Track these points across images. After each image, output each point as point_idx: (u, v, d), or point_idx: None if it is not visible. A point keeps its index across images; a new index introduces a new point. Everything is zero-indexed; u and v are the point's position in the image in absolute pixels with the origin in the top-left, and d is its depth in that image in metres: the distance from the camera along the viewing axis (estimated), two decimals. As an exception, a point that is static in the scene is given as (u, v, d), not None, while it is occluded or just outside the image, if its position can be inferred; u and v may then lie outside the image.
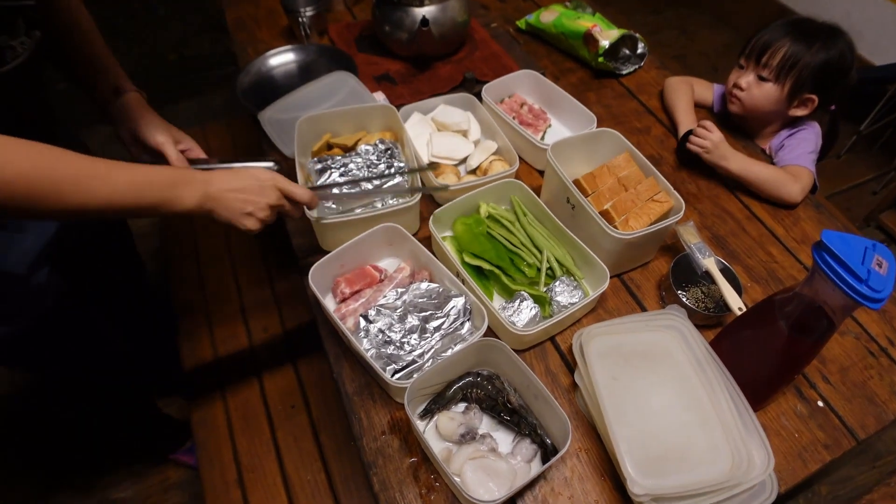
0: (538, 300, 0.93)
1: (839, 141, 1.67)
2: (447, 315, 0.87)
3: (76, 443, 1.63)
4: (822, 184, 1.24)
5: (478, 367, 0.86)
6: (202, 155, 0.97)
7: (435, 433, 0.82)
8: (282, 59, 1.40)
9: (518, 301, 0.92)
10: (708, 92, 1.36)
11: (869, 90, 2.34)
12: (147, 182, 0.71)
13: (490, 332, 0.90)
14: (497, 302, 0.97)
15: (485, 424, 0.84)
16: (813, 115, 1.21)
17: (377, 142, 1.07)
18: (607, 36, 1.37)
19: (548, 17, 1.50)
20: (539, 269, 0.97)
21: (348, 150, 1.11)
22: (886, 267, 0.63)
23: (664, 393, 0.78)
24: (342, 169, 1.02)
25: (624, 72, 1.44)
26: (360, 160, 1.03)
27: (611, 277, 0.94)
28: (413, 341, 0.85)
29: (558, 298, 0.93)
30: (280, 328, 1.61)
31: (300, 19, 1.42)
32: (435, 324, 0.87)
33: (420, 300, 0.89)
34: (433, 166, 1.10)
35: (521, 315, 0.90)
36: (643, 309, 0.99)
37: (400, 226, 0.96)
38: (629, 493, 0.69)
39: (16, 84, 0.78)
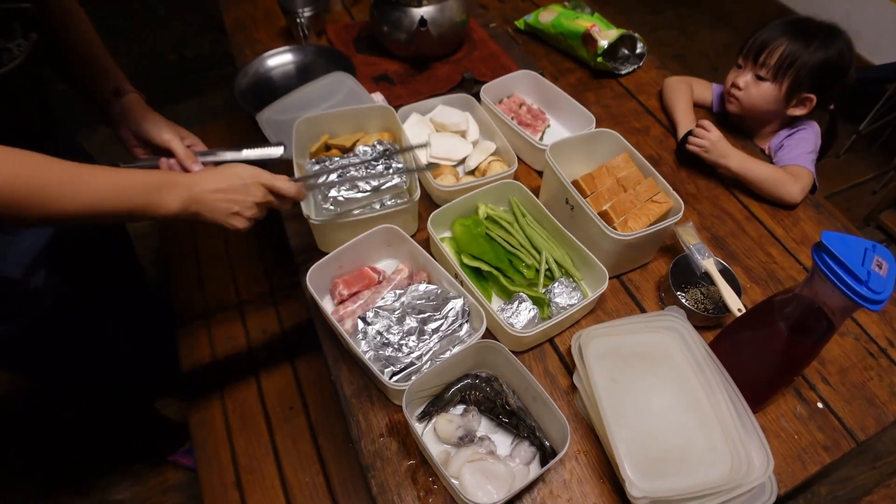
0: (537, 301, 0.92)
1: (838, 140, 1.67)
2: (445, 317, 0.87)
3: (76, 443, 1.64)
4: (821, 183, 1.24)
5: (476, 369, 0.86)
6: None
7: (433, 435, 0.82)
8: (280, 59, 1.40)
9: (517, 302, 0.91)
10: (707, 92, 1.36)
11: (868, 90, 2.34)
12: (130, 185, 0.70)
13: (488, 334, 0.89)
14: (496, 303, 0.96)
15: (483, 427, 0.84)
16: (812, 115, 1.21)
17: (375, 142, 1.07)
18: (606, 36, 1.36)
19: (546, 17, 1.49)
20: (538, 271, 0.97)
21: (346, 150, 1.11)
22: (886, 268, 0.63)
23: (663, 395, 0.78)
24: (340, 170, 1.01)
25: (623, 72, 1.44)
26: (357, 160, 1.03)
27: (610, 278, 0.93)
28: (411, 343, 0.85)
29: (557, 300, 0.93)
30: (278, 329, 1.61)
31: (298, 20, 1.42)
32: (433, 325, 0.86)
33: (418, 302, 0.89)
34: (432, 167, 1.10)
35: (520, 316, 0.90)
36: (642, 310, 0.98)
37: (398, 227, 0.96)
38: (628, 496, 0.69)
39: (14, 86, 0.78)
